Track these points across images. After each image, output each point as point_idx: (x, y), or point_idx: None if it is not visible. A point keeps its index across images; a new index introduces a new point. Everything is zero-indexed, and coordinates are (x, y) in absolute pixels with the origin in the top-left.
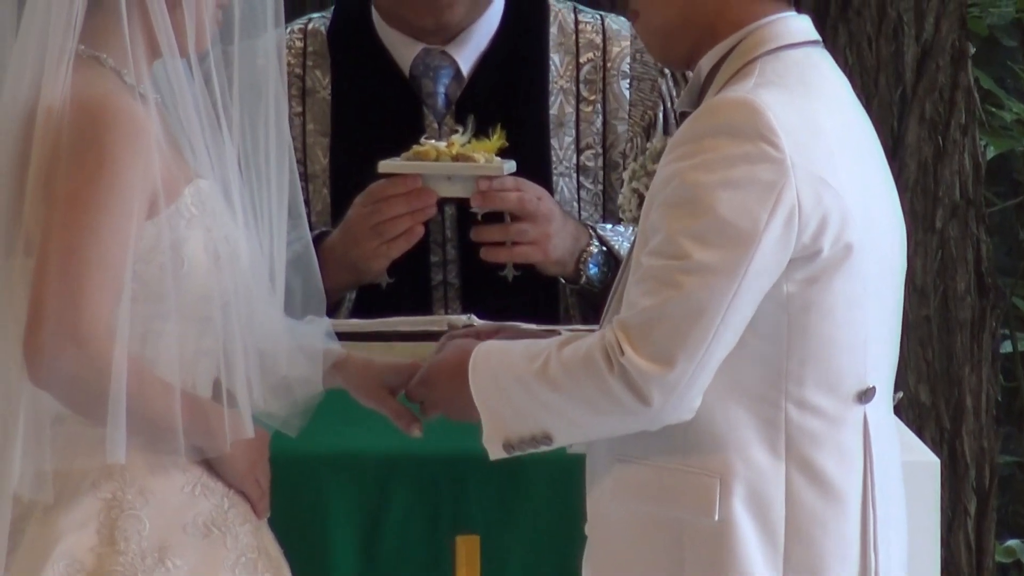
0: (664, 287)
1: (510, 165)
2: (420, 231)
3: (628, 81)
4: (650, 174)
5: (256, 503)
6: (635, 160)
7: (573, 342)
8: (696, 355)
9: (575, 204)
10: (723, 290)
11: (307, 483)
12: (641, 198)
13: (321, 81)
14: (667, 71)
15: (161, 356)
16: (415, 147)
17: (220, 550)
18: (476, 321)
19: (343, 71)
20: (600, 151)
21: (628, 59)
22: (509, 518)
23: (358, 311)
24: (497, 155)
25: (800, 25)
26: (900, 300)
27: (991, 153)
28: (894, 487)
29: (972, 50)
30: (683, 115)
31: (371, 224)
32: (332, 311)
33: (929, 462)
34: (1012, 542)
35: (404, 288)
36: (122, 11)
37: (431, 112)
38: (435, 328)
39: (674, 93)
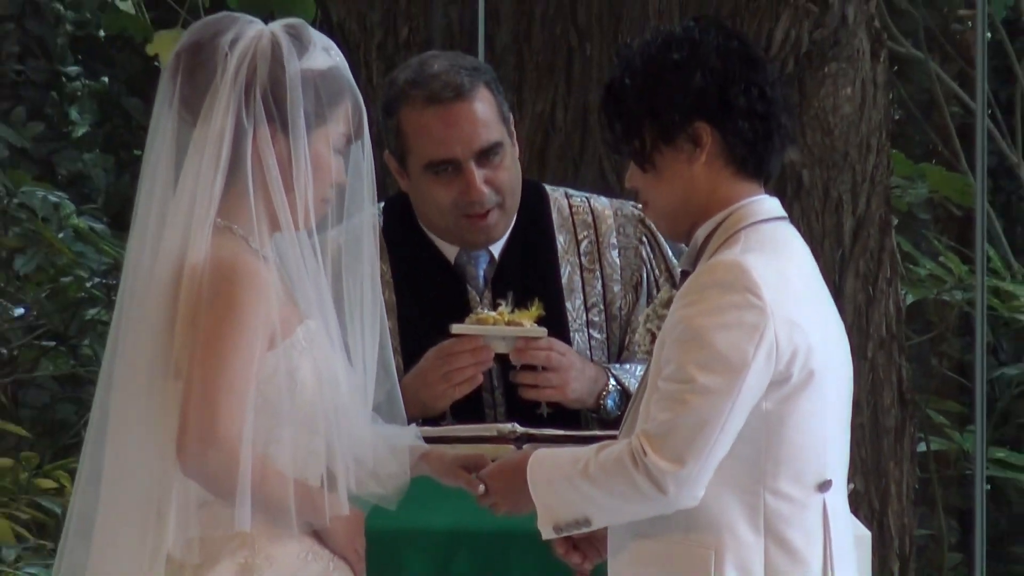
0: (676, 404)
1: (543, 331)
2: (480, 379)
3: (616, 251)
4: (661, 317)
5: (355, 566)
6: (648, 307)
7: (607, 448)
8: (701, 456)
9: (588, 351)
10: (721, 407)
11: (390, 552)
12: (653, 336)
13: (380, 269)
14: (644, 239)
15: (280, 454)
16: (477, 314)
17: None
18: (519, 428)
19: (399, 260)
20: (602, 308)
21: (614, 233)
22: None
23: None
24: (535, 321)
25: (771, 204)
26: (850, 412)
27: (910, 299)
28: (848, 556)
29: (895, 221)
30: (684, 273)
31: (442, 372)
32: None
33: (864, 535)
34: None
35: (458, 414)
36: (250, 191)
37: (473, 289)
38: (487, 433)
39: (652, 256)
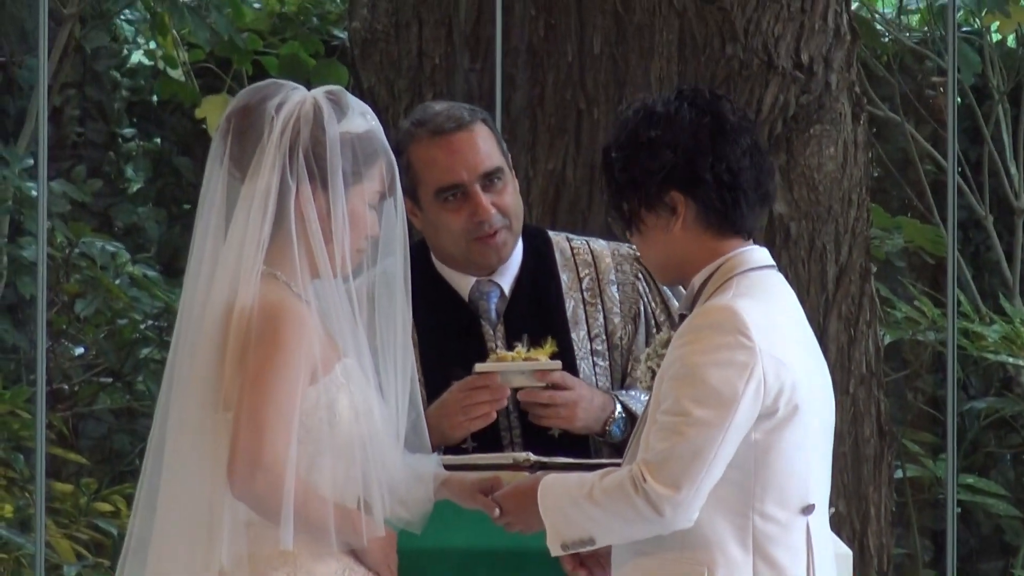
0: (673, 435)
1: (557, 363)
2: (494, 416)
3: (615, 286)
4: (660, 356)
5: None
6: (649, 347)
7: (610, 475)
8: (696, 482)
9: (594, 378)
10: (714, 437)
11: (416, 569)
12: (654, 373)
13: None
14: (640, 275)
15: (321, 480)
16: (497, 354)
17: None
18: (532, 457)
19: (419, 300)
20: (604, 338)
21: (612, 270)
22: None
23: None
24: (549, 356)
25: (761, 254)
26: (831, 441)
27: (888, 340)
28: (830, 573)
29: (874, 269)
30: (682, 316)
31: (462, 406)
32: None
33: (845, 553)
34: None
35: (483, 449)
36: (293, 242)
37: (487, 323)
38: (504, 462)
39: (648, 290)
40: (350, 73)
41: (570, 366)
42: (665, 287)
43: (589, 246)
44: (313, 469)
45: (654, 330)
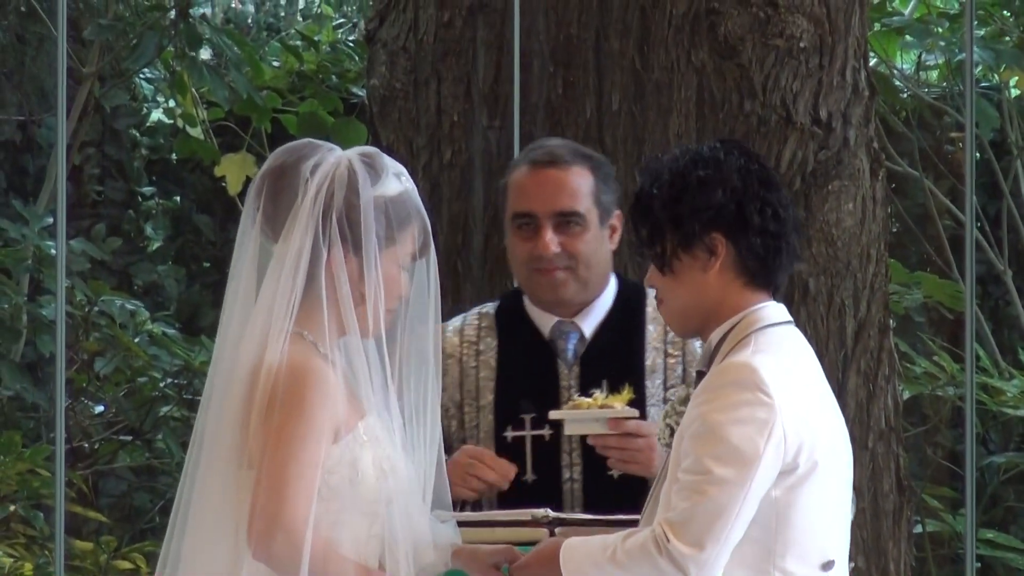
0: (695, 494)
1: (635, 411)
2: (493, 493)
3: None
4: (679, 413)
5: None
6: (667, 404)
7: (633, 536)
8: (719, 541)
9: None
10: (736, 496)
11: None
12: (672, 430)
13: (490, 345)
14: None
15: (344, 538)
16: (574, 401)
17: None
18: (551, 513)
19: (505, 336)
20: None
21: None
22: None
23: (512, 492)
24: (627, 404)
25: (779, 310)
26: (851, 497)
27: (907, 395)
28: None
29: (893, 324)
30: (700, 373)
31: (463, 472)
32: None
33: None
34: None
35: (543, 482)
36: (323, 303)
37: (563, 363)
38: (522, 518)
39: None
40: (368, 131)
41: (642, 413)
42: None
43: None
44: (336, 527)
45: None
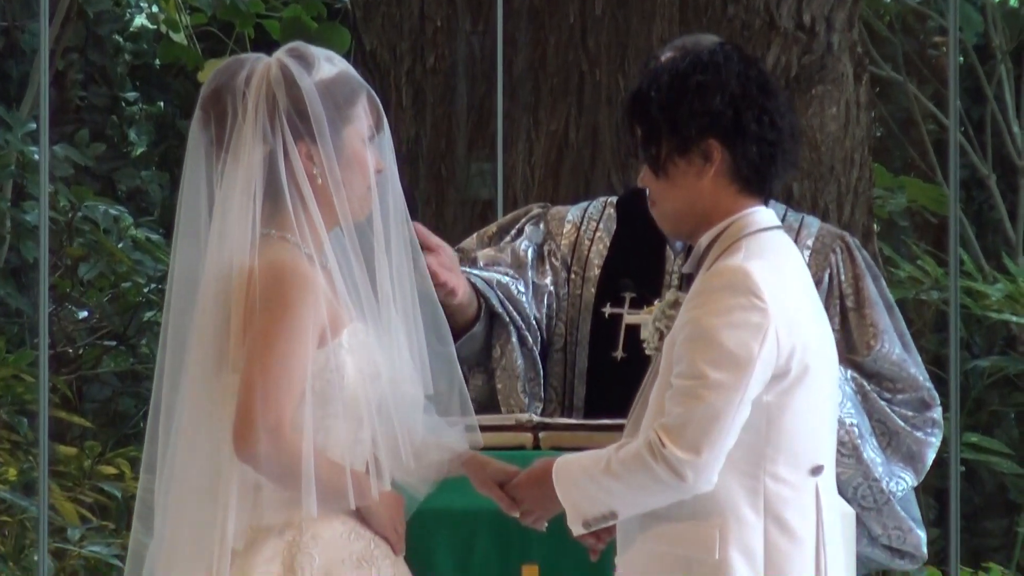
0: (690, 399)
1: None
2: None
3: (808, 252)
4: (668, 317)
5: (395, 544)
6: (656, 307)
7: (625, 446)
8: (716, 445)
9: None
10: (732, 400)
11: (421, 531)
12: (662, 334)
13: (610, 227)
14: (838, 249)
15: (331, 443)
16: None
17: None
18: (535, 418)
19: (624, 221)
20: None
21: (812, 237)
22: (563, 551)
23: (603, 368)
24: None
25: (768, 215)
26: (836, 403)
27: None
28: (836, 533)
29: (877, 228)
30: (689, 276)
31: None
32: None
33: (849, 513)
34: None
35: (632, 361)
36: (288, 204)
37: (671, 249)
38: (507, 422)
39: (841, 263)
40: (352, 36)
41: None
42: (866, 275)
43: (802, 218)
44: (323, 432)
45: (836, 301)
